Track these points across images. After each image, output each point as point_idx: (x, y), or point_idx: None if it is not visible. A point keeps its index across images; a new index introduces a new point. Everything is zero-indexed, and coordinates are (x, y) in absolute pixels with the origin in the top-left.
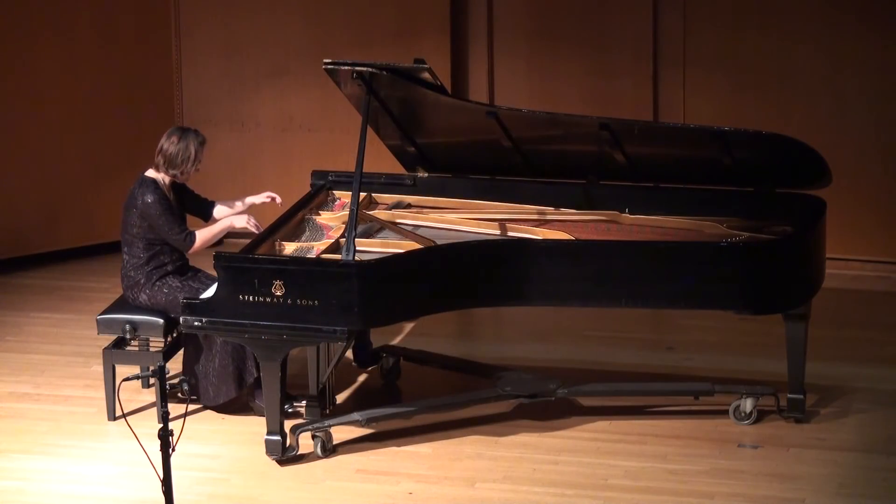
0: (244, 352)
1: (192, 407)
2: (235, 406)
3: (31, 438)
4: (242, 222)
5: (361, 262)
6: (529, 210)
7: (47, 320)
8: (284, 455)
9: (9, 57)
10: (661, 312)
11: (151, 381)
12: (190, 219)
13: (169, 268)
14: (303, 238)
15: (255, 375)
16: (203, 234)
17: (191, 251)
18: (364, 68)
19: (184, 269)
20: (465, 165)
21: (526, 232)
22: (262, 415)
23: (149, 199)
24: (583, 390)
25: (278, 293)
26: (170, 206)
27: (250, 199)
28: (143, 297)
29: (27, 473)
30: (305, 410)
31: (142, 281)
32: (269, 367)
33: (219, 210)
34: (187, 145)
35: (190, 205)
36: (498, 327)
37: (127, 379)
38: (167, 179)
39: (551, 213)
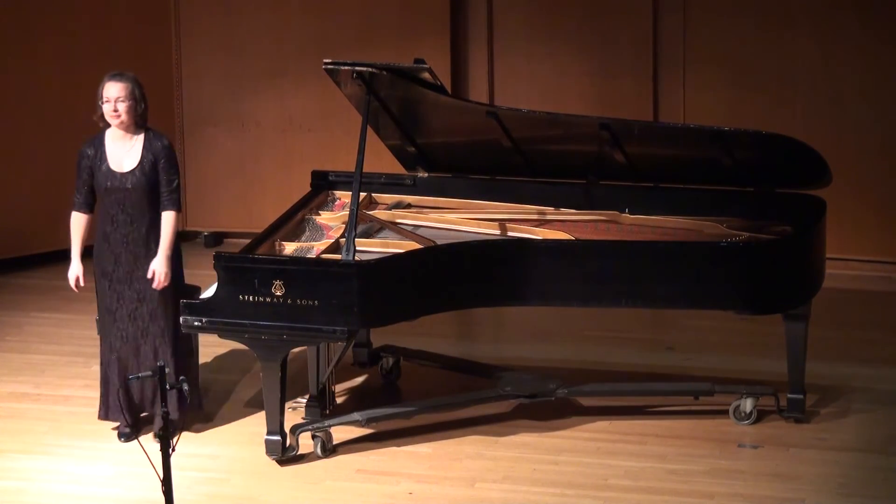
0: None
1: None
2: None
3: (31, 438)
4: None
5: (361, 262)
6: (529, 210)
7: (47, 320)
8: (284, 455)
9: (9, 57)
10: (661, 312)
11: None
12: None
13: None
14: (303, 238)
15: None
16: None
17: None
18: (364, 68)
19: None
20: (465, 165)
21: (526, 232)
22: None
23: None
24: (583, 390)
25: (278, 293)
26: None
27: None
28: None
29: (27, 473)
30: (305, 410)
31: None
32: (269, 367)
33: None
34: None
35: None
36: (498, 327)
37: (127, 379)
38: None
39: (551, 213)
